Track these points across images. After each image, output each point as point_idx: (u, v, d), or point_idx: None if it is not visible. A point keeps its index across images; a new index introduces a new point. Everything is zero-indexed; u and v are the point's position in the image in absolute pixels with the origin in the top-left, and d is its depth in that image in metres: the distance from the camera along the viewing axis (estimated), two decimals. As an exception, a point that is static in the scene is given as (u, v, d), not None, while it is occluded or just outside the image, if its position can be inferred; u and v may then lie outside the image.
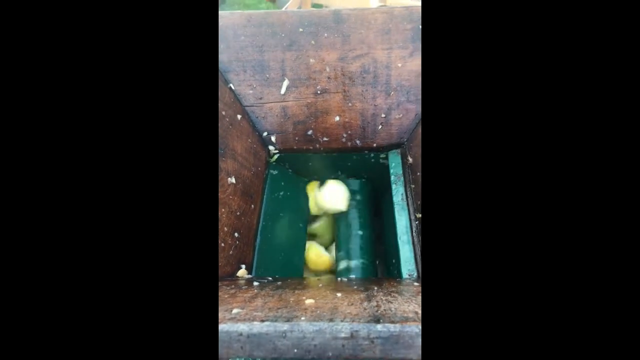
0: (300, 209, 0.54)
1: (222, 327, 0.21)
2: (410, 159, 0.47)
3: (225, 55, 0.45)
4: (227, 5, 2.15)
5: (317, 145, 0.50)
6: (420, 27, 0.44)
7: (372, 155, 0.51)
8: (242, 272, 0.37)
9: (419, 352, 0.20)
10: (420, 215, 0.42)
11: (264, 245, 0.44)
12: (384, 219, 0.54)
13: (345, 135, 0.49)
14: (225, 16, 0.45)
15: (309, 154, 0.52)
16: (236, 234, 0.39)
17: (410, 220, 0.43)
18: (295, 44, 0.45)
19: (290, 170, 0.54)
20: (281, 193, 0.51)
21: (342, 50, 0.45)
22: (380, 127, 0.48)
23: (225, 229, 0.37)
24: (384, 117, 0.48)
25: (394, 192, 0.45)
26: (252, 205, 0.44)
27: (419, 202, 0.43)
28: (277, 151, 0.50)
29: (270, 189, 0.49)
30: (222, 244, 0.36)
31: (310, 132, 0.49)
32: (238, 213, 0.40)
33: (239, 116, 0.45)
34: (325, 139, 0.49)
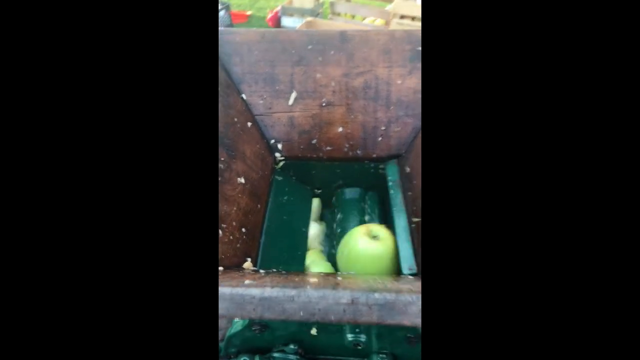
0: (302, 216, 0.56)
1: (236, 290, 0.23)
2: (408, 169, 0.50)
3: (239, 68, 0.49)
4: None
5: (321, 154, 0.53)
6: (418, 48, 0.48)
7: (372, 165, 0.55)
8: (247, 264, 0.39)
9: (412, 318, 0.23)
10: (416, 220, 0.45)
11: (267, 245, 0.46)
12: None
13: (347, 145, 0.53)
14: (241, 33, 0.49)
15: (312, 162, 0.55)
16: (243, 229, 0.41)
17: (408, 221, 0.45)
18: (303, 59, 0.49)
19: (294, 178, 0.57)
20: (285, 198, 0.53)
21: (346, 66, 0.50)
22: (380, 138, 0.52)
23: (234, 223, 0.40)
24: (384, 130, 0.51)
25: (392, 196, 0.48)
26: (259, 205, 0.47)
27: (414, 208, 0.46)
28: (282, 158, 0.54)
29: (275, 193, 0.52)
30: (231, 237, 0.38)
31: (314, 141, 0.52)
32: (246, 211, 0.43)
33: (249, 123, 0.49)
34: (328, 148, 0.53)
